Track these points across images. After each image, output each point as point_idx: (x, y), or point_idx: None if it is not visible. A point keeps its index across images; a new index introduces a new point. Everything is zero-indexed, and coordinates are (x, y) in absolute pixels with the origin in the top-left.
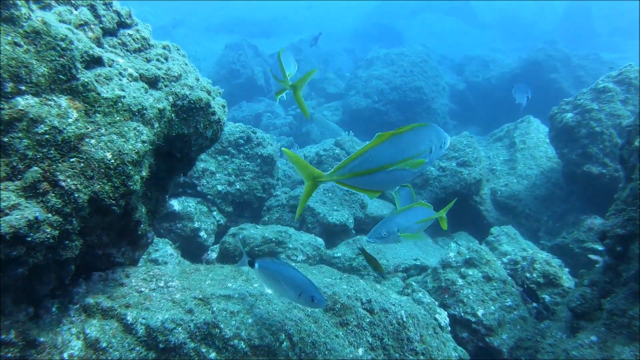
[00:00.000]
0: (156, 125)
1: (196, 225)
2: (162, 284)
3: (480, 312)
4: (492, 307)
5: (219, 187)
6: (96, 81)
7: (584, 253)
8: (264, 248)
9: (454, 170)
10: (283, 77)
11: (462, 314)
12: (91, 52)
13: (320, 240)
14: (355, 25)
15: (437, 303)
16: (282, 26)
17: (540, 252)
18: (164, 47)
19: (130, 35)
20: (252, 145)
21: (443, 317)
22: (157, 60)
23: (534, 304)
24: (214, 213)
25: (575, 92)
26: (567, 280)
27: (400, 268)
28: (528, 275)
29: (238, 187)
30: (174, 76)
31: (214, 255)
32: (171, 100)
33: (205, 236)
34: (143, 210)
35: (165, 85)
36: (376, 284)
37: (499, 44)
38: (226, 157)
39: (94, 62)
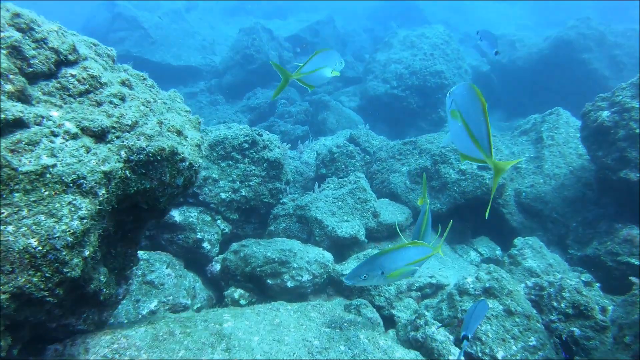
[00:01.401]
0: (102, 191)
1: (199, 236)
2: None
3: (500, 355)
4: (514, 348)
5: (223, 195)
6: (12, 152)
7: (618, 267)
8: (267, 269)
9: (474, 174)
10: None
11: (480, 354)
12: (3, 115)
13: (328, 256)
14: (375, 3)
15: (451, 339)
16: (299, 5)
17: (569, 276)
18: (122, 83)
19: (73, 75)
20: (257, 149)
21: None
22: (110, 102)
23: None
24: (218, 222)
25: (610, 74)
26: (598, 310)
27: (414, 287)
28: (555, 304)
29: (243, 193)
30: (128, 125)
31: (218, 267)
32: (124, 155)
33: (209, 247)
34: (101, 277)
35: (117, 137)
36: (380, 339)
37: (527, 19)
38: (230, 162)
39: (11, 125)
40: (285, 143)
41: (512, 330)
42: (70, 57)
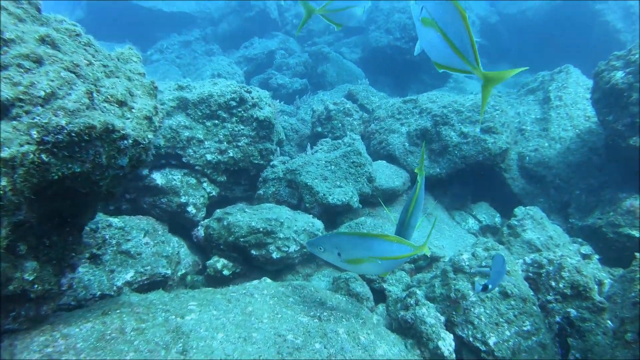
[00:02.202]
0: (3, 182)
1: (183, 199)
2: None
3: (492, 340)
4: (507, 333)
5: (209, 157)
6: None
7: (619, 239)
8: (251, 239)
9: (477, 138)
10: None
11: (471, 339)
12: None
13: (318, 224)
14: None
15: (442, 320)
16: None
17: (569, 253)
18: (40, 41)
19: None
20: (246, 107)
21: (447, 344)
22: (19, 66)
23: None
24: (204, 184)
25: (623, 26)
26: (597, 290)
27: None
28: (553, 283)
29: (231, 154)
30: (40, 97)
31: (203, 232)
32: (35, 136)
33: (194, 211)
34: (26, 276)
35: (26, 112)
36: (362, 332)
37: None
38: (216, 122)
39: None
40: (279, 100)
41: (506, 314)
42: None
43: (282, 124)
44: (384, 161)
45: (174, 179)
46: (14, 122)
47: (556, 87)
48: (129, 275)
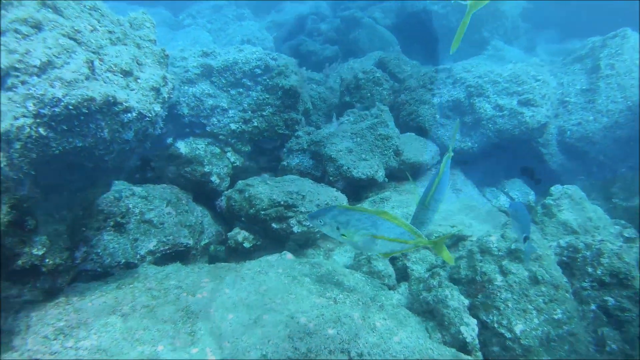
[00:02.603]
0: None
1: (207, 169)
2: (70, 344)
3: (518, 328)
4: (536, 321)
5: (233, 126)
6: None
7: None
8: (272, 212)
9: (513, 111)
10: None
11: (496, 325)
12: None
13: (341, 198)
14: None
15: (466, 303)
16: None
17: (610, 238)
18: (41, 4)
19: None
20: (271, 75)
21: (470, 329)
22: (15, 32)
23: None
24: (228, 154)
25: None
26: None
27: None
28: (590, 270)
29: (256, 124)
30: (35, 65)
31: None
32: (31, 108)
33: (217, 181)
34: (34, 251)
35: (22, 83)
36: (378, 317)
37: None
38: (240, 90)
39: None
40: (305, 68)
41: (535, 300)
42: None
43: (310, 92)
44: (413, 133)
45: (198, 148)
46: (10, 92)
47: (608, 54)
48: (151, 245)
